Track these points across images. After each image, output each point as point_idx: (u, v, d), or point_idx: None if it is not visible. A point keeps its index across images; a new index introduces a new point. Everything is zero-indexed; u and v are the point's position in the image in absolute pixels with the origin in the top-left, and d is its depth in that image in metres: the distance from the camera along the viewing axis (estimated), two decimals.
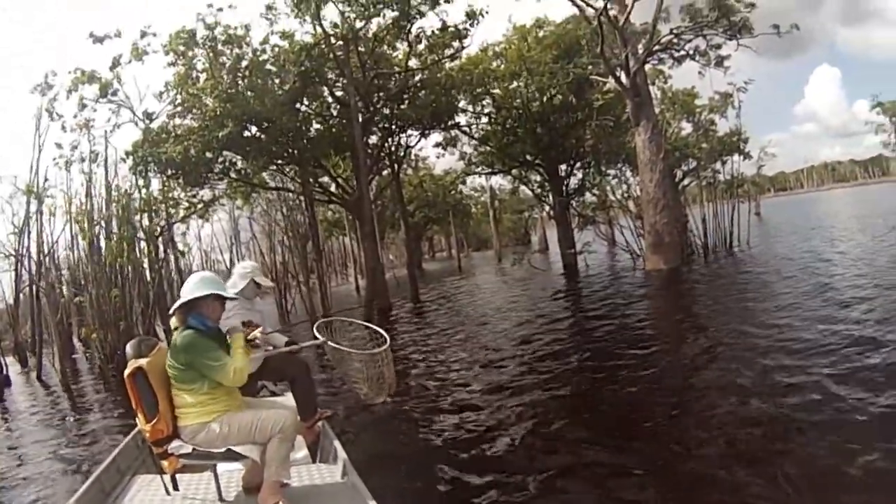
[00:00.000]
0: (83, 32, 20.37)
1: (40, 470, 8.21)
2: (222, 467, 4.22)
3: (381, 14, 18.85)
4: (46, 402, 15.24)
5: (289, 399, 5.23)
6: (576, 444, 6.04)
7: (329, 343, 4.96)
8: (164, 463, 3.89)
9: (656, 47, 19.64)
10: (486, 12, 19.95)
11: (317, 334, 5.02)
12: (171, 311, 4.12)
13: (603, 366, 8.94)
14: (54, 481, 7.55)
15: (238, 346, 4.11)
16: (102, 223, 17.99)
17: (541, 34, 24.36)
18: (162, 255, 20.20)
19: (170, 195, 20.54)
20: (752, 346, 8.64)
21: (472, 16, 19.96)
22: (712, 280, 17.37)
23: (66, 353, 23.59)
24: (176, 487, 4.06)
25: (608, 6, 18.52)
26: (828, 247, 20.62)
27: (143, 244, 18.98)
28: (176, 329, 4.04)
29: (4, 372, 21.26)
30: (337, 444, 4.83)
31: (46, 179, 22.46)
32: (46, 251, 21.93)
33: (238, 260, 37.18)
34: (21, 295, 24.30)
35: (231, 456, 4.00)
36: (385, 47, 21.34)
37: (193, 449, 3.90)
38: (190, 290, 4.04)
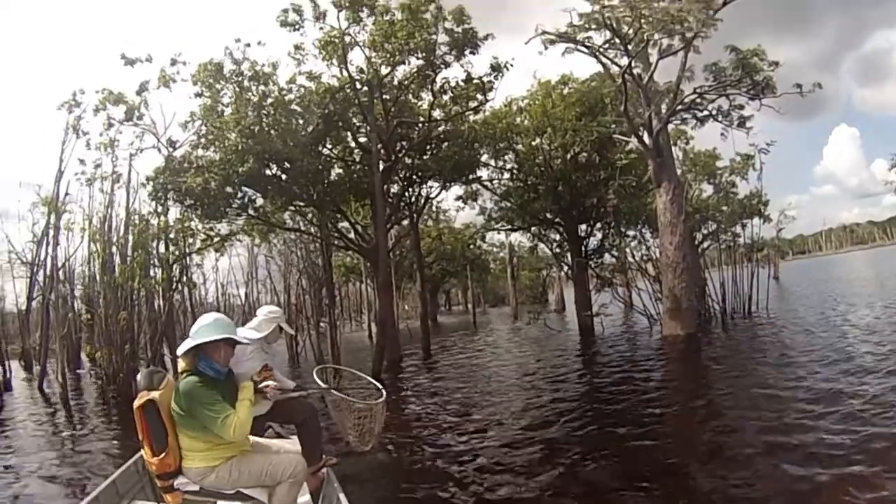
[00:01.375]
0: (114, 52, 20.77)
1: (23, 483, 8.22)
2: (223, 502, 4.13)
3: (407, 62, 18.90)
4: (43, 414, 15.40)
5: (295, 442, 5.16)
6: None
7: (333, 391, 4.92)
8: (165, 496, 3.87)
9: (679, 107, 19.47)
10: (511, 65, 19.98)
11: (317, 379, 5.02)
12: (179, 353, 4.04)
13: (611, 431, 8.85)
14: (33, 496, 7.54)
15: (245, 397, 4.03)
16: (118, 244, 18.02)
17: (565, 91, 24.36)
18: (175, 283, 20.17)
19: (187, 225, 20.50)
20: (765, 423, 8.23)
21: (496, 69, 19.94)
22: (730, 348, 16.85)
23: (72, 367, 23.67)
24: None
25: (632, 64, 18.49)
26: (843, 313, 20.37)
27: (157, 271, 19.00)
28: (182, 373, 3.96)
29: (7, 376, 21.29)
30: (340, 492, 4.78)
31: (67, 194, 22.92)
32: (60, 265, 22.05)
33: (253, 297, 37.38)
34: (33, 303, 24.31)
35: (237, 496, 3.99)
36: (409, 96, 21.36)
37: (200, 488, 3.89)
38: (202, 332, 3.98)
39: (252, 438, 4.24)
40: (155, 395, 3.84)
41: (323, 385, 4.99)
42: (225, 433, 3.79)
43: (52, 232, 22.60)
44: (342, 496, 4.69)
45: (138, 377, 4.12)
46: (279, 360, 25.92)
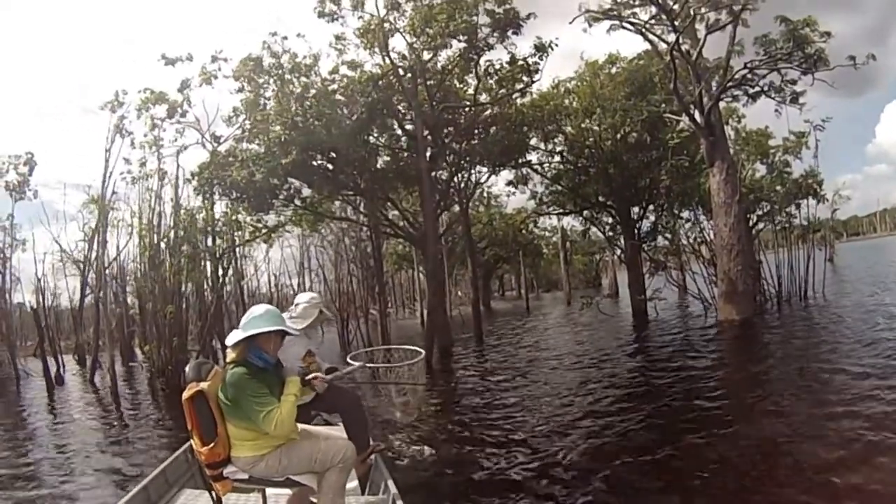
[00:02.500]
0: (151, 51, 21.18)
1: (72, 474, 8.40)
2: (271, 490, 4.22)
3: (449, 45, 18.66)
4: (92, 406, 15.86)
5: (342, 429, 5.17)
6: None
7: (366, 365, 5.23)
8: (215, 484, 3.92)
9: (730, 83, 18.73)
10: (556, 45, 19.53)
11: (351, 362, 5.19)
12: (229, 344, 4.07)
13: (666, 419, 8.70)
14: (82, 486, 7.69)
15: (291, 392, 4.03)
16: (166, 239, 18.33)
17: (613, 70, 23.85)
18: (223, 276, 20.47)
19: (234, 218, 20.71)
20: (828, 415, 7.81)
21: (541, 49, 19.51)
22: (788, 334, 16.15)
23: (125, 360, 24.30)
24: None
25: (680, 40, 17.88)
26: None
27: (205, 264, 19.27)
28: (230, 363, 3.98)
29: (61, 371, 21.96)
30: (389, 478, 4.81)
31: (115, 192, 23.39)
32: (107, 262, 22.57)
33: (306, 287, 37.74)
34: (86, 300, 24.95)
35: (286, 483, 4.03)
36: (454, 81, 21.14)
37: (250, 476, 3.94)
38: (254, 324, 4.01)
39: (300, 426, 4.22)
40: (203, 386, 3.88)
41: (356, 364, 5.08)
42: (267, 427, 3.80)
43: (101, 230, 23.05)
44: (391, 482, 4.72)
45: (186, 369, 4.13)
46: (328, 346, 26.21)
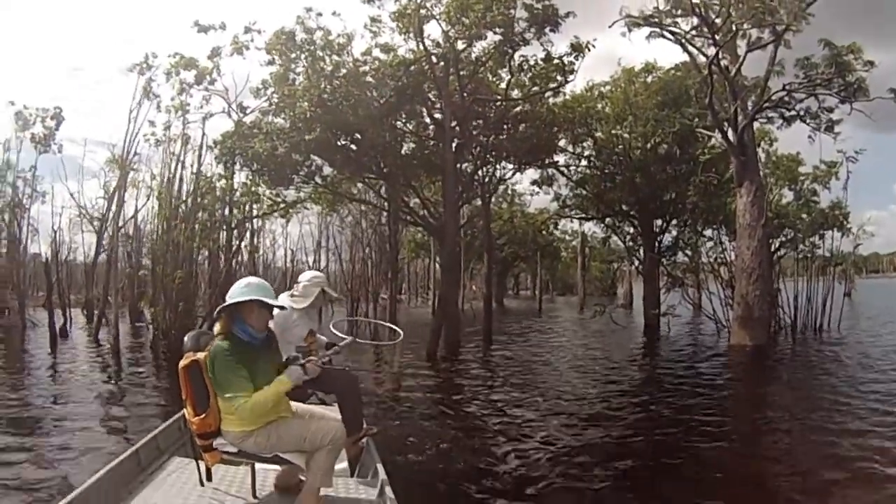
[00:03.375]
0: (181, 18, 21.04)
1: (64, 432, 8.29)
2: (260, 465, 4.19)
3: (484, 37, 18.33)
4: (92, 363, 15.86)
5: (337, 410, 5.05)
6: None
7: (357, 340, 5.33)
8: (205, 455, 3.90)
9: (766, 104, 18.32)
10: (593, 46, 19.06)
11: (335, 331, 5.37)
12: (214, 315, 4.11)
13: (664, 434, 8.69)
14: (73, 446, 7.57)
15: (273, 390, 3.89)
16: (183, 205, 18.33)
17: (648, 79, 23.49)
18: (236, 246, 20.53)
19: (253, 190, 20.65)
20: (829, 452, 7.53)
21: (577, 49, 19.02)
22: (800, 365, 15.93)
23: (133, 320, 24.42)
24: (210, 478, 4.05)
25: (720, 55, 17.46)
26: None
27: (220, 233, 19.23)
28: (217, 335, 3.92)
29: (68, 325, 22.10)
30: (378, 463, 4.83)
31: (137, 154, 23.38)
32: (121, 222, 22.64)
33: (321, 265, 37.84)
34: (100, 257, 25.07)
35: (274, 459, 4.02)
36: (487, 73, 20.81)
37: (239, 450, 3.93)
38: (236, 294, 3.95)
39: (293, 404, 4.19)
40: (200, 356, 3.82)
41: (341, 335, 5.17)
42: (230, 410, 3.77)
43: (120, 190, 23.13)
44: (380, 466, 4.74)
45: (185, 338, 4.09)
46: (339, 329, 26.13)
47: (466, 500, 6.08)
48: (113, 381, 12.89)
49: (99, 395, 11.15)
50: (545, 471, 6.90)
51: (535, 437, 8.40)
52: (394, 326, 5.76)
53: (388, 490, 4.26)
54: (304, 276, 5.65)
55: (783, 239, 22.40)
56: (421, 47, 18.36)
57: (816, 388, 12.14)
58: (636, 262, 28.00)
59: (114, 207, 23.49)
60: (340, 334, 5.15)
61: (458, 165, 20.96)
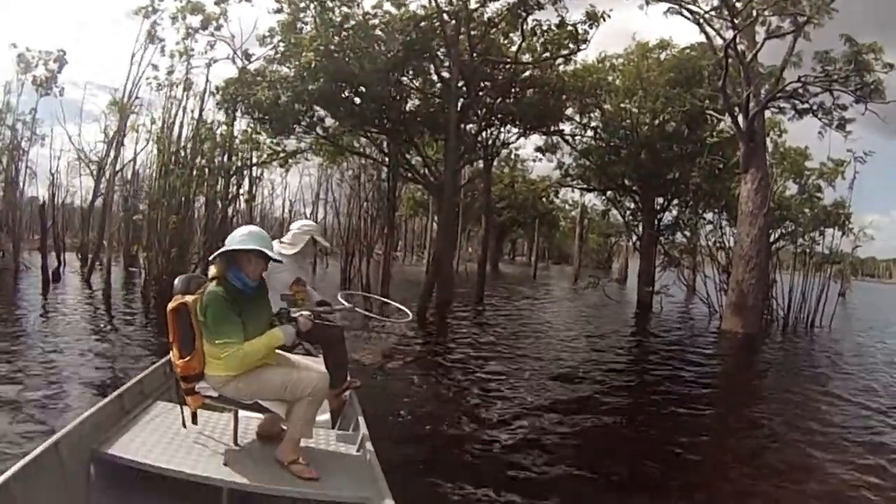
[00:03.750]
0: None
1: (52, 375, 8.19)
2: (243, 412, 4.19)
3: None
4: (81, 307, 15.65)
5: (321, 361, 5.08)
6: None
7: (356, 309, 5.12)
8: (187, 398, 3.94)
9: (780, 94, 17.99)
10: (608, 16, 18.59)
11: (342, 300, 5.03)
12: (210, 259, 4.03)
13: (646, 414, 8.85)
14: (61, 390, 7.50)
15: (267, 342, 3.96)
16: (182, 150, 18.07)
17: (662, 56, 23.07)
18: (234, 194, 20.37)
19: (253, 137, 20.34)
20: (813, 442, 7.70)
21: (592, 17, 18.49)
22: (789, 358, 15.86)
23: (127, 265, 24.33)
24: (194, 421, 4.10)
25: (737, 39, 17.02)
26: None
27: (218, 180, 19.01)
28: (212, 279, 3.93)
29: (61, 268, 21.98)
30: (360, 416, 4.89)
31: (137, 97, 22.98)
32: (119, 166, 22.38)
33: (319, 217, 37.68)
34: (96, 202, 24.91)
35: (255, 407, 4.01)
36: (499, 35, 20.32)
37: (220, 395, 3.93)
38: (235, 241, 3.95)
39: (278, 352, 4.20)
40: (188, 299, 3.85)
41: (346, 304, 4.99)
42: (220, 355, 3.77)
43: (120, 133, 22.80)
44: (361, 419, 4.79)
45: (176, 281, 4.14)
46: (330, 279, 26.13)
47: (442, 458, 6.15)
48: (101, 326, 12.73)
49: (85, 340, 11.00)
50: (520, 440, 6.92)
51: (515, 405, 8.44)
52: (402, 307, 5.37)
53: (368, 444, 4.31)
54: (296, 225, 5.68)
55: (783, 231, 22.12)
56: (433, 3, 17.88)
57: (803, 383, 11.96)
58: (634, 238, 27.80)
59: (112, 151, 23.12)
60: (344, 302, 4.97)
61: (462, 126, 20.68)
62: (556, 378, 10.38)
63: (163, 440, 4.10)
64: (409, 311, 5.33)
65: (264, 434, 4.34)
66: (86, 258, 24.99)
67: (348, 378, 5.33)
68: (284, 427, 4.13)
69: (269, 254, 3.97)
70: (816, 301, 21.56)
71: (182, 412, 4.10)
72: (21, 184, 27.15)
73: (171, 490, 3.82)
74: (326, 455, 4.28)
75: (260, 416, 4.30)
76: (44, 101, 26.55)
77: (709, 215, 24.19)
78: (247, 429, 4.36)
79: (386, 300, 5.50)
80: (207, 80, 19.97)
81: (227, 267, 3.92)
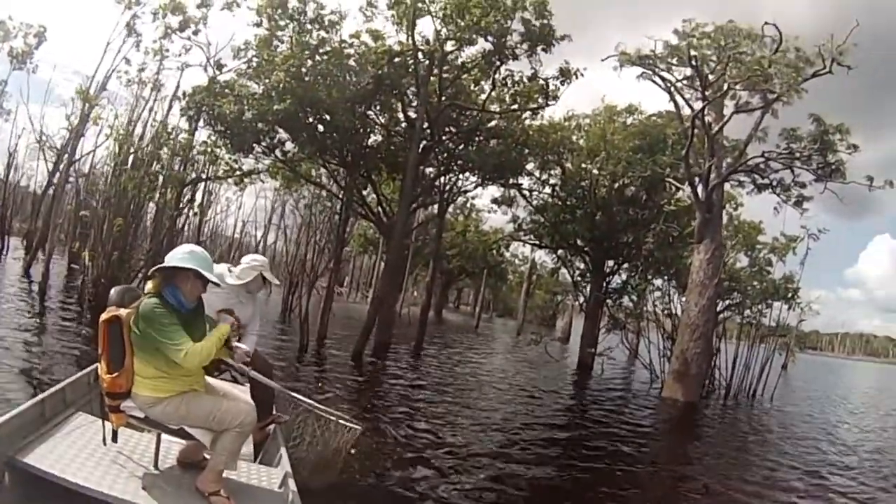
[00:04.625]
0: None
1: None
2: (166, 436, 4.10)
3: (475, 42, 17.88)
4: (15, 299, 15.18)
5: (247, 390, 5.10)
6: None
7: (294, 395, 4.83)
8: (111, 415, 3.86)
9: (741, 167, 18.41)
10: (581, 75, 18.81)
11: (295, 395, 4.85)
12: (149, 274, 4.04)
13: (576, 470, 8.75)
14: None
15: (218, 335, 4.00)
16: (139, 151, 17.41)
17: (629, 120, 23.36)
18: (184, 205, 19.92)
19: (210, 151, 19.91)
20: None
21: (566, 74, 18.72)
22: (725, 426, 16.10)
23: (71, 261, 23.42)
24: (115, 439, 3.99)
25: (706, 110, 17.35)
26: (844, 421, 19.66)
27: (170, 188, 18.46)
28: (146, 294, 3.88)
29: (4, 249, 21.06)
30: (283, 451, 4.80)
31: (104, 89, 22.39)
32: (77, 156, 21.80)
33: (268, 241, 37.14)
34: (49, 190, 24.08)
35: (181, 433, 3.95)
36: (470, 82, 20.40)
37: (146, 416, 3.86)
38: (175, 258, 3.91)
39: (208, 380, 4.19)
40: (122, 312, 3.76)
41: (294, 394, 4.85)
42: (176, 357, 3.70)
43: (82, 123, 22.13)
44: (285, 455, 4.71)
45: (111, 292, 4.02)
46: (271, 308, 25.52)
47: (364, 501, 6.07)
48: (30, 322, 12.25)
49: (8, 335, 10.37)
50: (445, 486, 6.89)
51: (444, 450, 8.45)
52: (350, 422, 4.85)
53: (291, 482, 4.21)
54: (246, 258, 5.70)
55: (730, 301, 22.34)
56: (410, 41, 17.83)
57: (739, 452, 12.09)
58: (581, 299, 27.77)
59: (72, 141, 22.41)
60: (298, 396, 4.82)
61: (421, 168, 20.57)
62: (490, 429, 10.32)
63: (81, 454, 3.97)
64: (356, 426, 4.90)
65: (186, 461, 4.25)
66: (30, 246, 23.98)
67: (274, 411, 5.36)
68: (207, 456, 4.11)
69: (207, 275, 3.93)
70: (759, 371, 21.68)
71: (104, 428, 4.00)
72: None
73: None
74: (247, 489, 4.21)
75: (183, 441, 4.21)
76: (15, 74, 25.92)
77: (658, 281, 24.37)
78: (168, 452, 4.27)
79: (330, 414, 4.96)
80: (178, 86, 19.91)
81: (165, 284, 3.88)
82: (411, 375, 15.67)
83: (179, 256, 3.90)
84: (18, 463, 3.72)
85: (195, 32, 20.38)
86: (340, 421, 4.71)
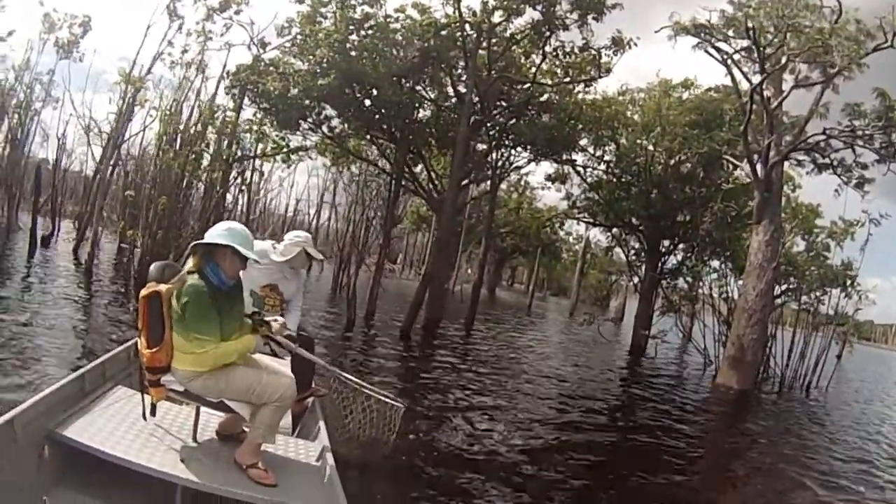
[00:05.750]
0: None
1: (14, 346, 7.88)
2: (205, 408, 4.13)
3: (523, 12, 17.29)
4: (59, 275, 15.52)
5: (288, 364, 4.84)
6: None
7: (342, 374, 4.78)
8: (151, 389, 3.87)
9: (802, 145, 17.40)
10: (635, 44, 18.03)
11: (337, 371, 4.84)
12: (187, 251, 4.01)
13: (624, 458, 8.57)
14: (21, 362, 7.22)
15: (242, 347, 3.95)
16: (186, 132, 17.62)
17: (685, 95, 22.49)
18: (231, 182, 19.88)
19: (257, 128, 19.90)
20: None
21: (618, 43, 17.97)
22: (780, 417, 15.07)
23: (120, 240, 23.98)
24: (153, 413, 4.00)
25: (764, 84, 16.44)
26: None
27: (218, 167, 18.58)
28: (190, 272, 3.87)
29: (55, 234, 21.66)
30: (322, 425, 4.85)
31: (149, 72, 22.62)
32: (124, 139, 22.12)
33: (321, 220, 37.37)
34: (99, 174, 24.56)
35: (220, 406, 3.98)
36: (520, 55, 19.82)
37: (185, 390, 3.89)
38: (214, 235, 3.92)
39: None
40: (162, 288, 3.77)
41: (332, 368, 4.84)
42: (196, 348, 3.72)
43: (129, 107, 22.40)
44: (323, 430, 4.75)
45: (151, 267, 4.02)
46: (324, 283, 25.58)
47: (405, 478, 6.01)
48: (73, 301, 12.33)
49: (53, 313, 10.49)
50: (489, 472, 6.66)
51: (487, 432, 8.31)
52: (393, 400, 4.71)
53: (328, 456, 4.23)
54: (289, 235, 5.68)
55: (786, 287, 21.31)
56: (456, 13, 17.36)
57: (797, 447, 11.37)
58: (635, 279, 27.07)
59: (117, 124, 22.75)
60: (338, 371, 4.79)
61: (472, 143, 20.17)
62: (532, 416, 9.95)
63: (120, 428, 4.00)
64: (398, 403, 4.77)
65: (224, 433, 4.27)
66: (81, 227, 24.61)
67: (313, 385, 5.35)
68: (246, 429, 4.09)
69: (245, 253, 3.90)
70: (815, 361, 20.68)
71: (143, 401, 4.00)
72: (29, 144, 27.10)
73: (125, 479, 3.71)
74: (285, 462, 4.18)
75: (222, 414, 4.24)
76: (62, 63, 26.45)
77: (714, 263, 23.45)
78: (207, 425, 4.28)
79: (373, 389, 4.85)
80: (224, 67, 19.89)
81: (206, 261, 3.88)
82: (459, 354, 15.41)
83: (218, 233, 3.91)
84: (58, 436, 3.76)
85: (237, 12, 20.28)
86: (382, 398, 4.62)
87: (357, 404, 4.69)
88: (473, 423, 8.67)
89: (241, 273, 4.12)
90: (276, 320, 4.31)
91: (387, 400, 4.61)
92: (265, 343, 4.93)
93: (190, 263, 3.92)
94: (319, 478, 4.06)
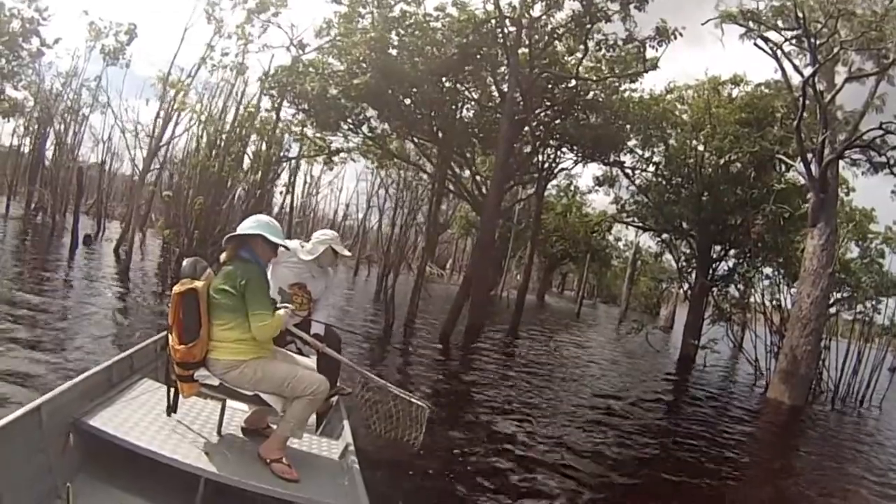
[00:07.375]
0: None
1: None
2: (231, 402, 4.23)
3: (562, 5, 16.77)
4: (99, 274, 16.01)
5: (314, 361, 4.93)
6: None
7: (365, 373, 4.90)
8: (182, 385, 3.94)
9: (858, 141, 16.38)
10: (680, 34, 17.23)
11: (354, 366, 4.98)
12: (223, 242, 4.17)
13: (667, 473, 8.04)
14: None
15: (283, 313, 4.14)
16: (226, 134, 17.73)
17: (734, 92, 21.63)
18: (268, 184, 19.96)
19: (296, 129, 19.85)
20: None
21: (663, 33, 17.15)
22: (839, 442, 13.70)
23: (163, 240, 24.35)
24: (175, 409, 4.11)
25: (816, 77, 15.54)
26: None
27: (257, 168, 18.66)
28: (225, 263, 4.06)
29: (100, 234, 22.12)
30: (346, 423, 5.01)
31: (190, 76, 22.91)
32: (159, 142, 22.44)
33: (368, 224, 37.56)
34: (135, 176, 25.02)
35: (252, 399, 4.07)
36: (562, 50, 19.27)
37: (220, 383, 3.99)
38: (244, 227, 4.12)
39: (276, 348, 4.30)
40: (198, 284, 3.89)
41: (367, 372, 4.92)
42: (256, 322, 3.87)
43: (168, 110, 22.77)
44: (347, 428, 4.92)
45: (183, 263, 4.10)
46: (371, 286, 25.42)
47: (430, 479, 5.98)
48: (111, 297, 12.60)
49: (89, 310, 10.67)
50: (518, 476, 6.60)
51: (521, 439, 8.08)
52: (418, 400, 4.63)
53: (352, 455, 4.37)
54: (316, 233, 5.79)
55: (840, 295, 20.11)
56: (495, 8, 16.93)
57: (855, 474, 10.38)
58: (685, 286, 26.09)
59: (158, 127, 23.18)
60: (366, 371, 4.90)
61: (516, 143, 19.69)
62: (573, 427, 9.56)
63: (146, 419, 4.09)
64: (425, 405, 4.70)
65: (249, 428, 4.37)
66: (127, 226, 25.18)
67: (338, 384, 5.40)
68: (272, 424, 4.25)
69: (274, 239, 4.10)
70: (870, 376, 19.33)
71: (168, 394, 4.08)
72: (77, 147, 27.72)
73: (148, 471, 3.77)
74: (308, 459, 4.25)
75: (246, 408, 4.38)
76: (110, 70, 27.12)
77: (767, 270, 22.35)
78: (231, 419, 4.37)
79: (398, 390, 4.76)
80: (267, 70, 19.80)
81: (240, 249, 4.06)
82: (498, 359, 15.02)
83: (248, 225, 4.11)
84: (84, 425, 3.83)
85: (275, 15, 20.50)
86: (407, 398, 4.59)
87: (382, 404, 4.69)
88: (505, 427, 8.52)
89: (268, 273, 4.38)
90: (288, 309, 4.32)
91: (412, 401, 4.57)
92: (290, 341, 5.19)
93: (223, 256, 4.10)
94: (342, 475, 4.14)
